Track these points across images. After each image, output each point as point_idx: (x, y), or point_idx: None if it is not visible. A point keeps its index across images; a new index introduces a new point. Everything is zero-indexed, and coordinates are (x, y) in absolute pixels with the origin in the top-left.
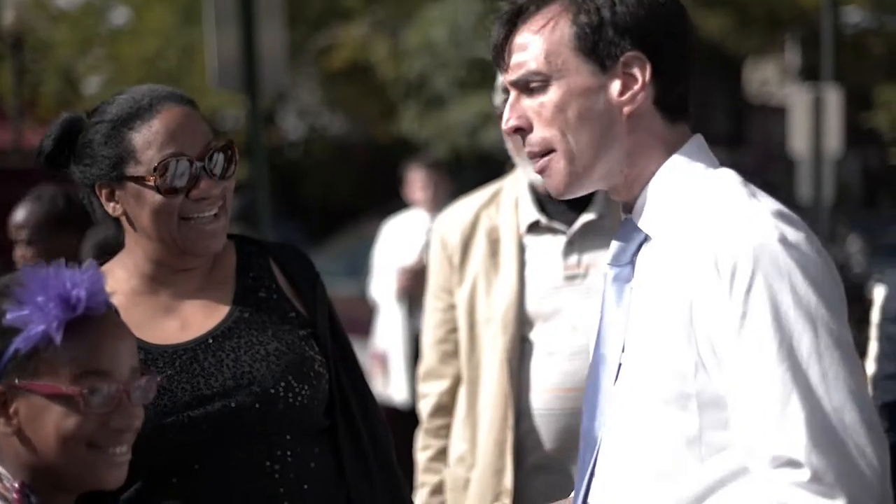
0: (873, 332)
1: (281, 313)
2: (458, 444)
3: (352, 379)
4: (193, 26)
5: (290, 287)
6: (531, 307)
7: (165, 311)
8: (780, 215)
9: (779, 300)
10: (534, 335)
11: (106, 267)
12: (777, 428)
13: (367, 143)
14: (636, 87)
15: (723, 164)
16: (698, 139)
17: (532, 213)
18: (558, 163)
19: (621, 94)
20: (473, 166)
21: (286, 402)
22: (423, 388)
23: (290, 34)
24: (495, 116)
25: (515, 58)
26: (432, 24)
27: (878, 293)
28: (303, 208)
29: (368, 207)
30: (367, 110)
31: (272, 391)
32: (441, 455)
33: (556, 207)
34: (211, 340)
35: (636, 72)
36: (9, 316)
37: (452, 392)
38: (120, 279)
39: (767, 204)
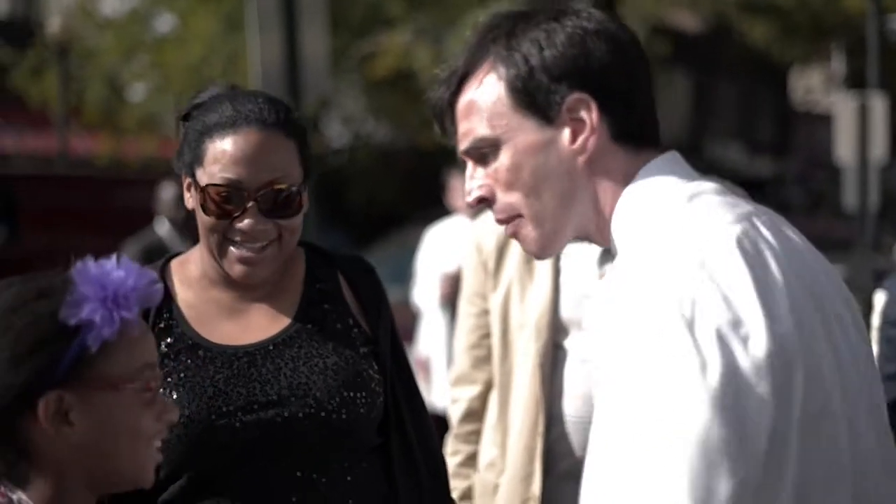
0: (874, 336)
1: (344, 328)
2: (488, 449)
3: (408, 398)
4: (237, 33)
5: (355, 302)
6: (565, 314)
7: (230, 312)
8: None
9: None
10: (567, 342)
11: (182, 258)
12: None
13: (411, 151)
14: (586, 132)
15: (768, 172)
16: (656, 163)
17: None
18: (527, 228)
19: (572, 142)
20: None
21: (339, 417)
22: (454, 392)
23: (333, 41)
24: None
25: (461, 126)
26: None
27: (879, 298)
28: (347, 215)
29: (412, 214)
30: (411, 118)
31: (327, 405)
32: (470, 460)
33: None
34: (271, 347)
35: (583, 115)
36: (70, 315)
37: (483, 397)
38: (191, 272)
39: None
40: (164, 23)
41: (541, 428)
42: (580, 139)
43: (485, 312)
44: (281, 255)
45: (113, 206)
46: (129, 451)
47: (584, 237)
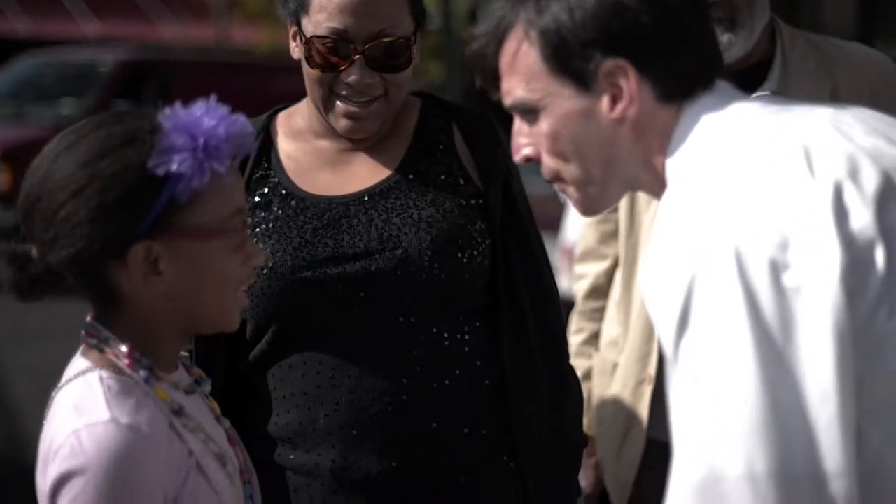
0: None
1: (449, 180)
2: (610, 327)
3: (525, 258)
4: None
5: (468, 154)
6: None
7: (332, 163)
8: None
9: None
10: None
11: (290, 109)
12: None
13: None
14: (625, 101)
15: None
16: (695, 109)
17: None
18: (572, 191)
19: (612, 109)
20: None
21: (430, 272)
22: (579, 268)
23: None
24: None
25: (504, 83)
26: None
27: None
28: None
29: None
30: None
31: (416, 258)
32: (594, 339)
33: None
34: (367, 198)
35: (621, 82)
36: (160, 164)
37: (610, 274)
38: (296, 124)
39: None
40: None
41: None
42: (619, 108)
43: None
44: (388, 110)
45: (270, 93)
46: (217, 297)
47: (639, 191)
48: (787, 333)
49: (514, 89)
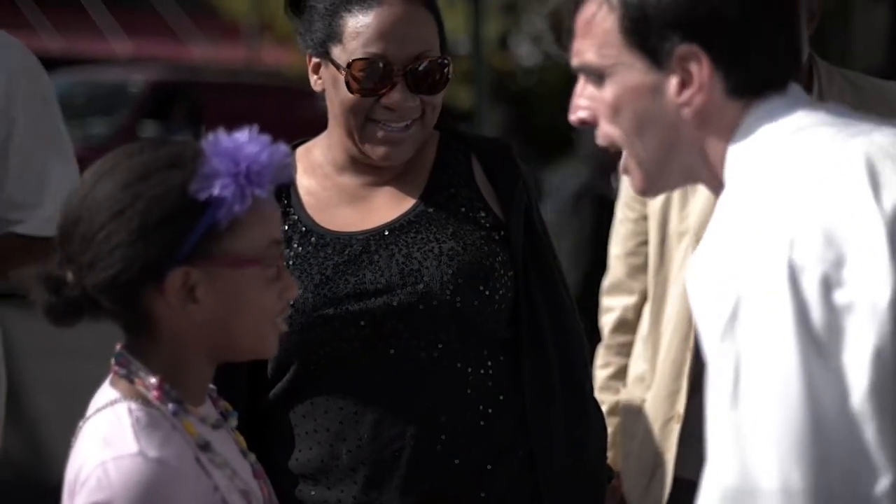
0: None
1: (469, 212)
2: (637, 363)
3: (546, 290)
4: None
5: (488, 186)
6: None
7: (352, 198)
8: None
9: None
10: None
11: (308, 144)
12: None
13: None
14: (693, 88)
15: None
16: (765, 107)
17: None
18: (630, 166)
19: (679, 93)
20: None
21: (453, 305)
22: (607, 301)
23: None
24: None
25: (575, 43)
26: None
27: None
28: (534, 134)
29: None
30: None
31: (438, 292)
32: (621, 374)
33: None
34: (387, 232)
35: (692, 68)
36: (202, 189)
37: (638, 308)
38: (315, 159)
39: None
40: None
41: (691, 343)
42: (687, 93)
43: (643, 218)
44: (423, 134)
45: (300, 115)
46: (253, 326)
47: (697, 183)
48: (833, 350)
49: (584, 52)
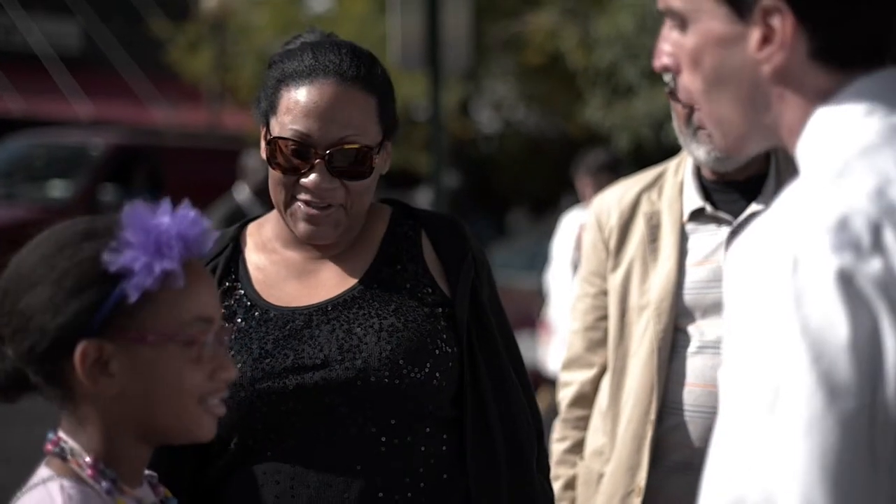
0: None
1: (415, 289)
2: (595, 436)
3: (492, 368)
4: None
5: (437, 262)
6: (689, 298)
7: (299, 273)
8: (834, 229)
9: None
10: (690, 327)
11: (261, 220)
12: None
13: (561, 138)
14: (774, 45)
15: None
16: (863, 82)
17: (696, 201)
18: (709, 124)
19: (760, 48)
20: (656, 159)
21: (391, 382)
22: (565, 376)
23: (481, 26)
24: None
25: None
26: (622, 13)
27: None
28: (494, 201)
29: (560, 201)
30: (561, 104)
31: (376, 369)
32: (578, 447)
33: (722, 196)
34: (330, 308)
35: (775, 23)
36: (112, 261)
37: (596, 382)
38: (266, 234)
39: (842, 205)
40: (320, 3)
41: (652, 416)
42: (767, 50)
43: (602, 293)
44: (348, 218)
45: None
46: (173, 406)
47: (775, 144)
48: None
49: None
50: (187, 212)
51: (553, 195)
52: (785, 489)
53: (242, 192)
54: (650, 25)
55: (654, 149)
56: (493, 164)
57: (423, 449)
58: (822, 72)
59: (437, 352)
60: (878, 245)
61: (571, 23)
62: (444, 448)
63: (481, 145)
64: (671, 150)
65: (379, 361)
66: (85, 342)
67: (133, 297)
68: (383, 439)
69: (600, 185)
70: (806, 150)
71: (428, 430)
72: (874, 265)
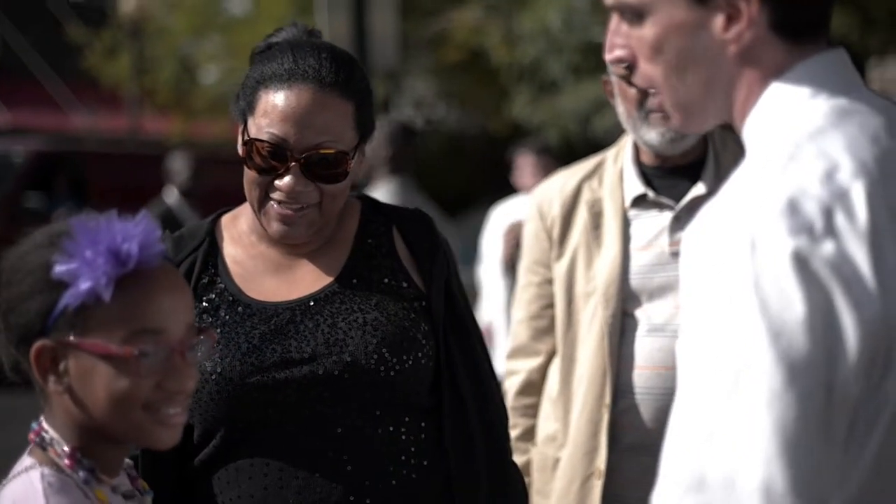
0: None
1: (392, 283)
2: (547, 423)
3: (466, 357)
4: (308, 15)
5: (408, 256)
6: (635, 282)
7: (276, 267)
8: (789, 213)
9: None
10: (637, 311)
11: (235, 212)
12: None
13: (482, 136)
14: (741, 24)
15: None
16: (815, 60)
17: (638, 187)
18: (669, 106)
19: (725, 30)
20: (584, 154)
21: (377, 374)
22: (511, 364)
23: (405, 24)
24: (608, 103)
25: None
26: (546, 8)
27: None
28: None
29: (482, 198)
30: (482, 101)
31: (363, 362)
32: (528, 434)
33: (662, 181)
34: (312, 303)
35: (741, 3)
36: (57, 269)
37: (543, 370)
38: (241, 227)
39: (795, 189)
40: (237, 5)
41: (607, 400)
42: (734, 29)
43: (547, 282)
44: (321, 219)
45: None
46: (117, 414)
47: (726, 121)
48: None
49: None
50: (141, 222)
51: (474, 193)
52: (745, 464)
53: (171, 195)
54: (574, 20)
55: (582, 143)
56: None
57: (404, 438)
58: (779, 46)
59: (416, 344)
60: (830, 228)
61: (495, 19)
62: (422, 436)
63: None
64: (597, 145)
65: (365, 355)
66: (40, 342)
67: (74, 303)
68: (367, 429)
69: (543, 166)
70: (755, 128)
71: (408, 419)
72: (827, 248)
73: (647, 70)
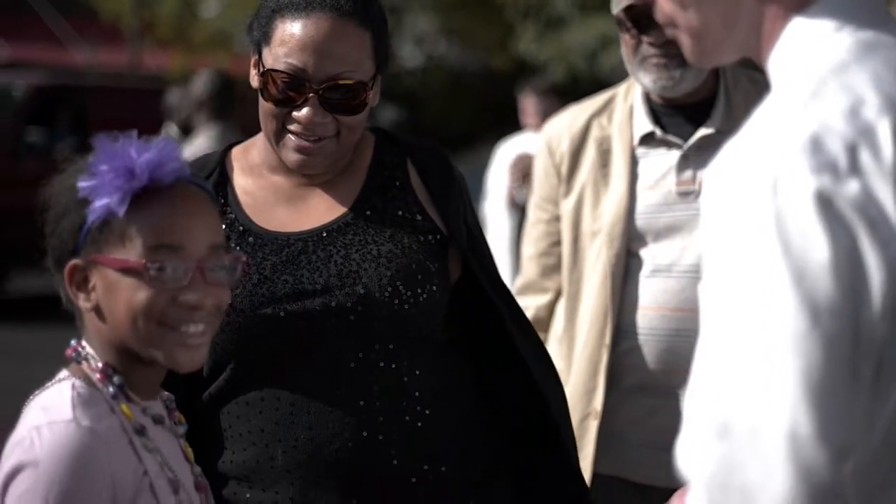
0: None
1: (406, 216)
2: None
3: (496, 288)
4: None
5: (423, 189)
6: (640, 222)
7: (288, 198)
8: (811, 150)
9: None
10: (642, 251)
11: (246, 143)
12: None
13: (484, 73)
14: None
15: None
16: None
17: (646, 125)
18: (685, 39)
19: None
20: (591, 91)
21: (391, 307)
22: (520, 301)
23: None
24: (616, 40)
25: None
26: None
27: None
28: (418, 136)
29: (485, 136)
30: (485, 38)
31: (377, 294)
32: None
33: (671, 120)
34: (325, 234)
35: None
36: (80, 186)
37: (551, 307)
38: (252, 159)
39: (818, 125)
40: None
41: (607, 340)
42: None
43: (555, 219)
44: (339, 150)
45: None
46: (136, 328)
47: (745, 56)
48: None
49: None
50: (160, 141)
51: (476, 131)
52: (770, 409)
53: (171, 131)
54: None
55: (588, 80)
56: (416, 99)
57: (418, 373)
58: None
59: (431, 277)
60: (854, 166)
61: None
62: (438, 371)
63: (404, 80)
64: (605, 82)
65: (379, 287)
66: (72, 261)
67: (97, 219)
68: (381, 363)
69: (546, 106)
70: (779, 63)
71: (423, 353)
72: (852, 187)
73: (666, 7)
